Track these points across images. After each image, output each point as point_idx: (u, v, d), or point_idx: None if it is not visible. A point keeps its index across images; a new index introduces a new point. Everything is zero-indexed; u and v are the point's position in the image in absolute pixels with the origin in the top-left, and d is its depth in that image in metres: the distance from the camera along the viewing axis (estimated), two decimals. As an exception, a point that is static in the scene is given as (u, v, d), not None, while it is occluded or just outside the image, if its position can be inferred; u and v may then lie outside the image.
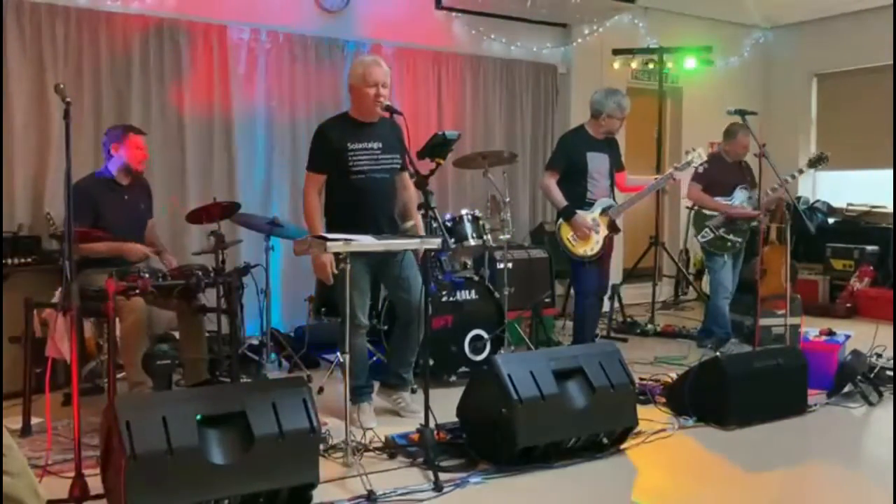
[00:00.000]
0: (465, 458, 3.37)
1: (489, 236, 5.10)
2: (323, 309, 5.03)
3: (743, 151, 5.60)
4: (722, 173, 5.57)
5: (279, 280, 5.75)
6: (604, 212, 5.01)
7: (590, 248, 4.95)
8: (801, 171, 5.57)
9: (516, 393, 3.26)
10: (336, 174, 3.89)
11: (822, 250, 7.69)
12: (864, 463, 3.66)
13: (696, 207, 5.77)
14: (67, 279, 2.91)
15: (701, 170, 5.35)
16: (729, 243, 5.55)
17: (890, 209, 7.65)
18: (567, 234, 4.95)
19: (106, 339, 3.71)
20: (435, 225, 3.65)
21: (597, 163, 5.01)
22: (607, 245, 5.03)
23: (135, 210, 4.34)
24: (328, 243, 3.28)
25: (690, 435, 3.84)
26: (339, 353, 4.38)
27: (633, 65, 7.69)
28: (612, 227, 5.04)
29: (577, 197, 4.97)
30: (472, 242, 4.98)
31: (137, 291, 3.67)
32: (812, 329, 5.07)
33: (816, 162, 5.46)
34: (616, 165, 5.17)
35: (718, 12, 8.04)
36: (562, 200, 4.95)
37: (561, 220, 4.99)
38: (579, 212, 4.93)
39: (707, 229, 5.58)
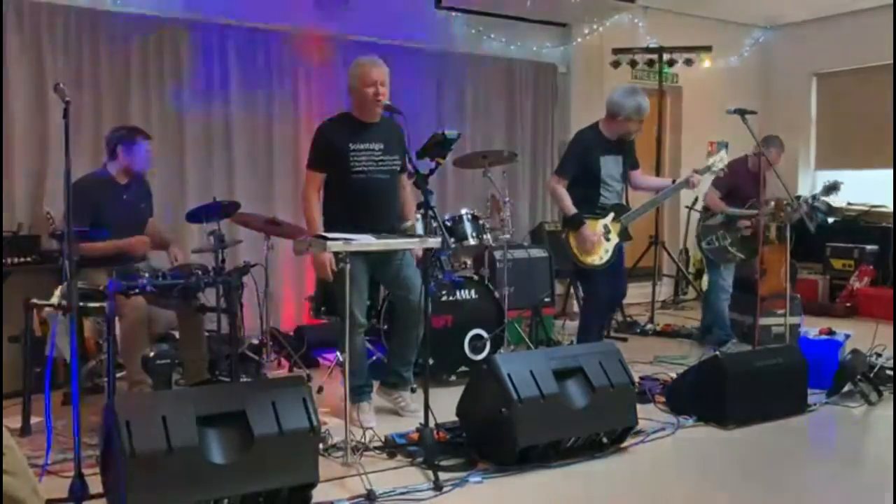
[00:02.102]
0: (464, 457, 3.37)
1: (489, 236, 5.09)
2: (323, 308, 5.03)
3: (765, 166, 5.27)
4: (741, 183, 5.38)
5: (279, 280, 5.75)
6: (616, 218, 4.76)
7: (598, 257, 4.67)
8: (814, 198, 5.50)
9: (516, 392, 3.26)
10: (336, 174, 3.89)
11: (822, 250, 7.70)
12: (864, 462, 3.66)
13: (700, 210, 5.72)
14: (67, 278, 2.90)
15: (722, 174, 5.11)
16: (729, 255, 5.48)
17: (889, 209, 7.65)
18: (574, 242, 4.68)
19: (105, 338, 3.70)
20: (435, 224, 3.65)
21: (610, 167, 4.73)
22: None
23: (134, 209, 4.32)
24: (328, 242, 3.28)
25: (690, 434, 3.84)
26: (338, 353, 4.38)
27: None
28: (624, 235, 4.79)
29: (590, 202, 4.70)
30: (471, 242, 4.98)
31: (137, 291, 3.67)
32: (812, 328, 5.07)
33: (831, 189, 5.39)
34: (631, 164, 4.89)
35: (718, 12, 8.04)
36: (570, 207, 4.66)
37: (568, 228, 4.72)
38: (589, 221, 4.66)
39: (713, 237, 5.49)
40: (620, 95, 4.66)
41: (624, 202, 4.93)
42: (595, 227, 4.71)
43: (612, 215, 4.77)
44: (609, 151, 4.74)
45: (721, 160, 4.85)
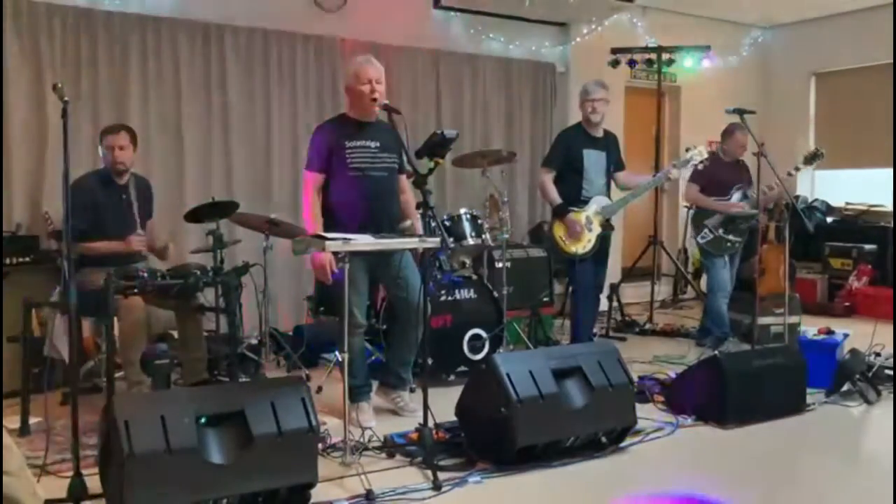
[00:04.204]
0: (463, 457, 3.37)
1: (488, 235, 5.10)
2: (321, 308, 5.02)
3: (740, 151, 5.63)
4: (719, 173, 5.58)
5: (278, 280, 5.74)
6: (598, 210, 5.02)
7: (581, 246, 4.97)
8: (797, 169, 5.55)
9: (515, 392, 3.26)
10: (334, 172, 3.88)
11: (821, 249, 7.70)
12: (863, 462, 3.66)
13: (694, 208, 5.78)
14: (66, 278, 2.90)
15: (701, 167, 5.33)
16: (728, 243, 5.55)
17: (888, 208, 7.65)
18: (559, 232, 4.99)
19: (104, 338, 3.70)
20: (433, 224, 3.65)
21: (593, 160, 5.03)
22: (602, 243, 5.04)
23: (134, 210, 4.32)
24: (327, 242, 3.27)
25: (689, 434, 3.84)
26: (337, 353, 4.38)
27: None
28: (606, 226, 5.05)
29: (573, 194, 5.00)
30: (470, 241, 4.98)
31: (136, 291, 3.66)
32: (810, 328, 5.07)
33: (812, 158, 5.49)
34: (615, 164, 5.18)
35: (717, 11, 8.04)
36: (556, 198, 4.98)
37: (554, 217, 5.02)
38: (573, 210, 4.95)
39: (706, 230, 5.58)
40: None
41: (607, 196, 5.12)
42: (578, 219, 4.97)
43: (594, 207, 5.01)
44: (592, 146, 5.05)
45: (700, 153, 5.05)
